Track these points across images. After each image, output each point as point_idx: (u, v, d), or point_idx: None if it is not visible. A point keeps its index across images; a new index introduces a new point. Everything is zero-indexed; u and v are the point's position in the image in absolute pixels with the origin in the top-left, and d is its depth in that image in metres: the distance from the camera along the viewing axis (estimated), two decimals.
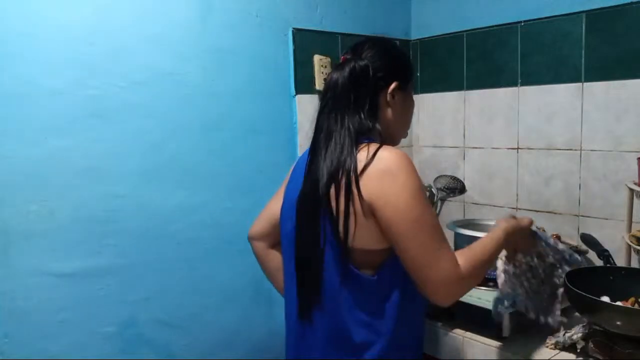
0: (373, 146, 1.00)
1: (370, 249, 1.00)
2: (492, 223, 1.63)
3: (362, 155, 0.99)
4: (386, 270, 1.01)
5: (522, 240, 1.19)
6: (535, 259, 1.25)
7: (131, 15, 1.41)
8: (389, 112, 1.10)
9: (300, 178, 1.10)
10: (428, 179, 2.13)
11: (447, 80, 2.04)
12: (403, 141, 2.24)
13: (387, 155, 0.98)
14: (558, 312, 1.26)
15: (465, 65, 1.97)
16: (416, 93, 2.17)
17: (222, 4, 1.58)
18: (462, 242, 1.47)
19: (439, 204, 2.13)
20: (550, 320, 1.24)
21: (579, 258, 1.29)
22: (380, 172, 0.97)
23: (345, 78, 1.06)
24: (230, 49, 1.60)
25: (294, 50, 1.75)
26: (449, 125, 2.06)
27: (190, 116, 1.54)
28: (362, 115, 1.05)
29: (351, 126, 1.03)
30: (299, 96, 1.77)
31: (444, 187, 2.07)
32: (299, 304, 1.08)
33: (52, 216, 1.32)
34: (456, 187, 2.05)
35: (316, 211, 1.02)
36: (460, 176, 2.04)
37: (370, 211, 0.97)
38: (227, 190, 1.63)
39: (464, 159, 2.03)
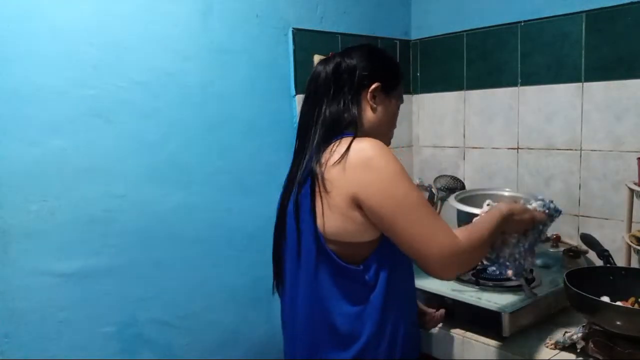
0: (347, 140, 1.01)
1: (357, 241, 1.01)
2: (494, 193, 1.68)
3: (340, 149, 1.01)
4: (372, 260, 1.03)
5: (517, 227, 1.18)
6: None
7: (131, 15, 1.41)
8: (369, 112, 1.12)
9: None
10: (428, 179, 2.13)
11: (447, 80, 2.04)
12: (403, 141, 2.24)
13: (361, 146, 0.99)
14: (530, 260, 1.25)
15: (465, 65, 1.97)
16: (416, 93, 2.17)
17: (223, 4, 1.58)
18: (462, 218, 1.50)
19: (439, 204, 2.13)
20: (523, 272, 1.26)
21: (558, 208, 1.27)
22: (358, 163, 0.98)
23: (329, 72, 1.10)
24: (230, 49, 1.60)
25: (294, 50, 1.75)
26: (449, 125, 2.06)
27: (190, 116, 1.54)
28: (342, 108, 1.08)
29: (329, 119, 1.07)
30: (299, 96, 1.77)
31: (444, 187, 2.07)
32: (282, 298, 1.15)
33: (52, 216, 1.32)
34: (456, 187, 2.04)
35: (296, 208, 1.05)
36: (460, 176, 2.04)
37: (356, 204, 0.98)
38: (227, 190, 1.63)
39: (464, 159, 2.03)
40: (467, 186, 2.01)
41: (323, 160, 1.02)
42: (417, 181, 2.17)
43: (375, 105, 1.12)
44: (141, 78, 1.44)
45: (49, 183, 1.31)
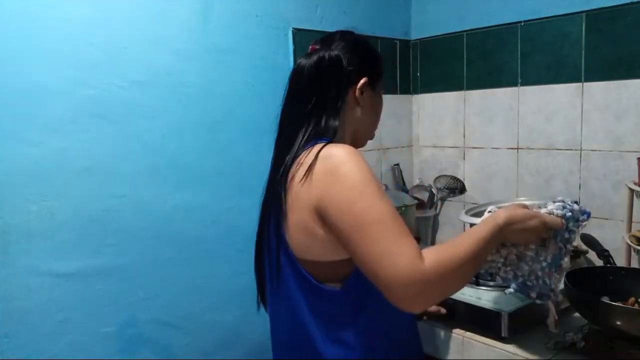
0: (318, 147, 0.91)
1: (332, 260, 0.90)
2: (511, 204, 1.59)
3: (308, 159, 0.90)
4: (354, 279, 0.91)
5: (522, 237, 0.98)
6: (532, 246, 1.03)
7: (131, 15, 1.41)
8: (357, 110, 1.02)
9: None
10: (428, 179, 2.13)
11: (447, 80, 2.04)
12: (403, 141, 2.24)
13: (329, 153, 0.88)
14: (558, 277, 1.05)
15: (465, 65, 1.97)
16: (416, 93, 2.17)
17: (222, 4, 1.58)
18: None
19: (439, 204, 2.13)
20: (552, 296, 1.05)
21: (584, 210, 1.06)
22: (323, 173, 0.87)
23: (312, 67, 0.99)
24: (230, 49, 1.60)
25: (294, 50, 1.75)
26: (449, 125, 2.06)
27: (190, 116, 1.54)
28: (324, 113, 0.97)
29: (312, 123, 0.97)
30: None
31: (444, 187, 2.07)
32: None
33: (52, 216, 1.32)
34: (456, 187, 2.05)
35: (269, 223, 0.98)
36: (460, 176, 2.04)
37: (320, 219, 0.87)
38: (227, 190, 1.63)
39: (464, 159, 2.03)
40: (467, 186, 2.01)
41: (290, 173, 0.92)
42: (417, 181, 2.17)
43: (362, 102, 1.02)
44: (141, 78, 1.44)
45: (49, 183, 1.31)
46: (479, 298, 1.35)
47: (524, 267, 1.01)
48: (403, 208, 1.84)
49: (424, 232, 2.12)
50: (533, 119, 1.79)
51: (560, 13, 1.67)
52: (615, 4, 1.55)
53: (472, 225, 1.28)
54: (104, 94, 1.38)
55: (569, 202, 1.04)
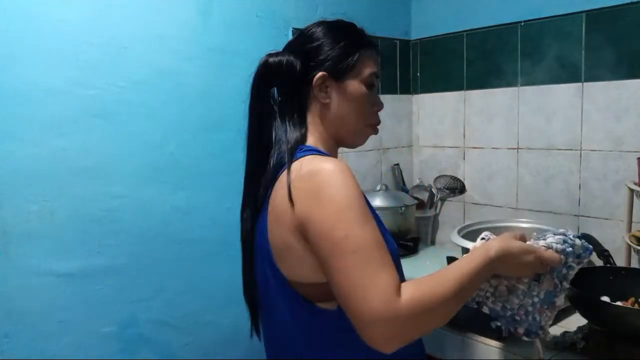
0: (303, 160, 0.85)
1: (323, 282, 0.82)
2: (508, 225, 1.57)
3: (293, 173, 0.84)
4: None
5: (516, 271, 0.91)
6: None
7: (131, 15, 1.41)
8: (325, 109, 0.93)
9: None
10: (428, 179, 2.13)
11: (447, 80, 2.04)
12: (403, 141, 2.23)
13: (315, 170, 0.81)
14: (549, 315, 0.97)
15: (465, 65, 1.97)
16: (416, 93, 2.17)
17: (223, 4, 1.58)
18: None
19: (439, 204, 2.13)
20: (540, 334, 0.96)
21: (587, 246, 0.99)
22: (307, 191, 0.80)
23: (258, 77, 0.95)
24: (230, 49, 1.60)
25: None
26: (449, 125, 2.06)
27: (190, 116, 1.54)
28: (291, 123, 0.91)
29: (276, 140, 0.92)
30: None
31: (444, 187, 2.07)
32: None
33: (52, 216, 1.32)
34: (456, 187, 2.05)
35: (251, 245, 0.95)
36: (460, 176, 2.04)
37: (304, 238, 0.81)
38: (227, 190, 1.62)
39: (464, 159, 2.03)
40: (467, 186, 2.01)
41: (273, 193, 0.87)
42: (417, 181, 2.17)
43: (328, 99, 0.92)
44: (141, 78, 1.44)
45: (49, 183, 1.31)
46: None
47: (514, 301, 0.94)
48: (403, 208, 1.84)
49: (424, 232, 2.12)
50: (533, 119, 1.79)
51: (560, 13, 1.67)
52: (615, 4, 1.55)
53: (463, 249, 1.19)
54: (104, 94, 1.38)
55: (571, 236, 0.96)
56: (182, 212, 1.53)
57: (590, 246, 0.98)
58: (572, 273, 0.95)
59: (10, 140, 1.26)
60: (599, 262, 1.51)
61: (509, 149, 1.87)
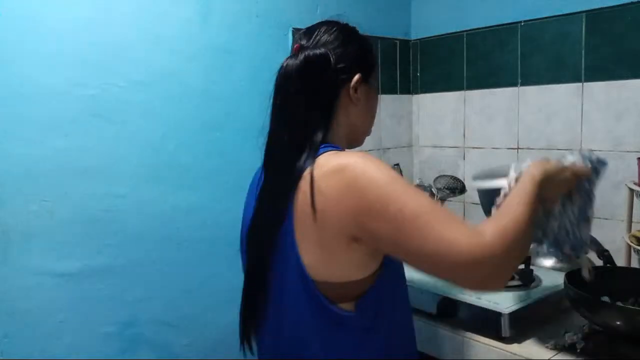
0: (326, 157, 0.85)
1: (347, 281, 0.84)
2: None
3: (318, 173, 0.82)
4: (368, 301, 0.86)
5: (557, 191, 0.96)
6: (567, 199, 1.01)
7: (131, 15, 1.41)
8: (352, 110, 0.94)
9: (252, 203, 0.97)
10: (428, 179, 2.13)
11: (447, 80, 2.04)
12: (403, 141, 2.24)
13: (341, 166, 0.81)
14: (587, 228, 1.05)
15: (465, 65, 1.97)
16: (416, 93, 2.17)
17: (222, 4, 1.58)
18: (487, 201, 1.14)
19: (439, 204, 2.13)
20: (585, 246, 1.04)
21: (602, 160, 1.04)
22: (341, 189, 0.80)
23: (299, 69, 0.90)
24: (230, 49, 1.60)
25: None
26: (449, 125, 2.06)
27: (190, 116, 1.54)
28: (318, 120, 0.89)
29: (306, 137, 0.88)
30: None
31: (444, 187, 2.06)
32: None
33: (52, 216, 1.32)
34: (456, 187, 2.04)
35: (268, 247, 0.89)
36: (460, 176, 2.03)
37: (349, 236, 0.81)
38: (227, 190, 1.62)
39: (464, 159, 2.03)
40: (467, 186, 2.01)
41: (301, 189, 0.83)
42: (416, 181, 2.17)
43: (357, 100, 0.94)
44: (141, 78, 1.44)
45: (49, 183, 1.31)
46: (479, 298, 1.35)
47: (553, 224, 0.97)
48: None
49: None
50: (533, 119, 1.79)
51: (560, 13, 1.67)
52: (615, 4, 1.55)
53: (492, 189, 1.06)
54: (104, 94, 1.38)
55: (586, 153, 1.02)
56: (182, 212, 1.53)
57: (605, 159, 1.02)
58: (595, 186, 1.01)
59: (10, 140, 1.26)
60: (599, 262, 1.51)
61: (509, 149, 1.87)
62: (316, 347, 0.87)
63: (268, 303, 0.93)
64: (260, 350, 0.99)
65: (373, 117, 1.02)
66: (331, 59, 0.90)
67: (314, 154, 0.86)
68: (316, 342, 0.87)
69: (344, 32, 0.96)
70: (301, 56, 0.91)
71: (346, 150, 0.93)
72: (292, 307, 0.88)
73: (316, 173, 0.82)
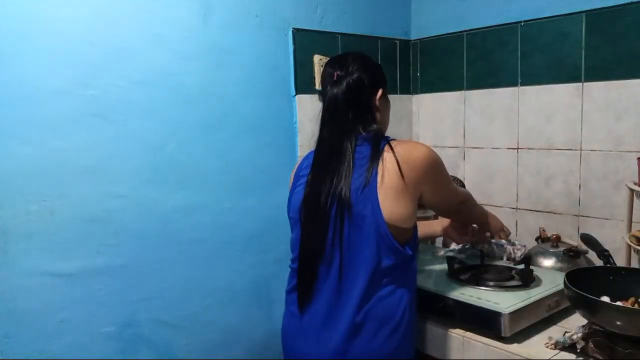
0: (397, 143, 1.18)
1: (407, 227, 1.17)
2: None
3: (400, 149, 1.16)
4: (412, 244, 1.19)
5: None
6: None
7: (132, 15, 1.41)
8: (378, 115, 1.27)
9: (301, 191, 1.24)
10: None
11: (447, 80, 2.04)
12: None
13: (417, 147, 1.20)
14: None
15: (465, 65, 1.97)
16: (416, 93, 2.17)
17: (222, 4, 1.58)
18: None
19: None
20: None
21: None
22: (421, 163, 1.16)
23: (345, 93, 1.21)
24: (230, 49, 1.60)
25: (294, 50, 1.75)
26: (449, 125, 2.06)
27: (190, 116, 1.54)
28: (367, 123, 1.22)
29: (370, 132, 1.21)
30: (299, 96, 1.77)
31: None
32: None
33: (52, 216, 1.32)
34: None
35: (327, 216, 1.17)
36: (460, 176, 2.04)
37: (418, 195, 1.18)
38: (227, 190, 1.63)
39: (464, 159, 2.03)
40: (467, 186, 2.01)
41: (387, 160, 1.15)
42: None
43: (382, 108, 1.28)
44: (141, 78, 1.44)
45: (48, 183, 1.31)
46: (479, 298, 1.35)
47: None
48: None
49: None
50: (533, 119, 1.79)
51: (560, 13, 1.67)
52: (615, 4, 1.55)
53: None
54: (104, 94, 1.38)
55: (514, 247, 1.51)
56: (182, 212, 1.54)
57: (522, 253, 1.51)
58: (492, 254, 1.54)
59: (10, 140, 1.26)
60: (599, 262, 1.51)
61: (509, 149, 1.87)
62: (393, 284, 1.18)
63: (334, 250, 1.18)
64: (313, 305, 1.22)
65: (388, 121, 1.35)
66: (364, 82, 1.23)
67: (384, 140, 1.19)
68: (394, 279, 1.18)
69: (365, 60, 1.28)
70: (344, 83, 1.22)
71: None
72: (366, 247, 1.15)
73: (398, 150, 1.16)
